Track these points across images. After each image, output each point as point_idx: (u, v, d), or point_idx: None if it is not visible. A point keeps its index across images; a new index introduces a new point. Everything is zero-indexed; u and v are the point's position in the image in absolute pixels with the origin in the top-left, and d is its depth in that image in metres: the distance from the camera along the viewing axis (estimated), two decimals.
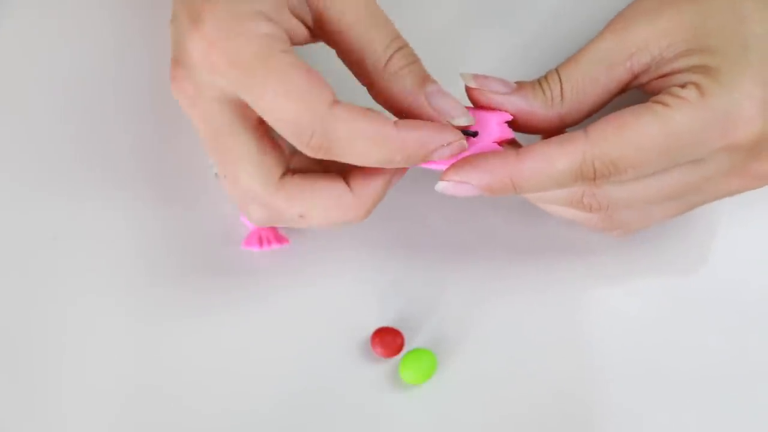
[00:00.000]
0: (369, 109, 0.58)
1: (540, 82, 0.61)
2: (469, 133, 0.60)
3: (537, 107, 0.60)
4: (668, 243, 0.68)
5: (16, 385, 0.66)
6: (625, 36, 0.60)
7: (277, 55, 0.57)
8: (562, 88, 0.60)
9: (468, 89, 0.61)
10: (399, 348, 0.65)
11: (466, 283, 0.67)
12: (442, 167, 0.60)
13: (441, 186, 0.60)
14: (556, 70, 0.61)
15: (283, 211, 0.61)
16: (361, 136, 0.58)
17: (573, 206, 0.62)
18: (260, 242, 0.68)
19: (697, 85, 0.58)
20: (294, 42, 0.60)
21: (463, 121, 0.59)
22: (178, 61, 0.60)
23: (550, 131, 0.61)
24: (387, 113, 0.60)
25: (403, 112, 0.60)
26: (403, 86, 0.59)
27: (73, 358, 0.66)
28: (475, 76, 0.61)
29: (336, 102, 0.58)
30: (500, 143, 0.60)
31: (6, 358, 0.66)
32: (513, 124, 0.61)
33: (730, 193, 0.62)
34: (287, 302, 0.67)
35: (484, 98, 0.61)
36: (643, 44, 0.60)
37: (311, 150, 0.58)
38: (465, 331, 0.66)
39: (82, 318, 0.67)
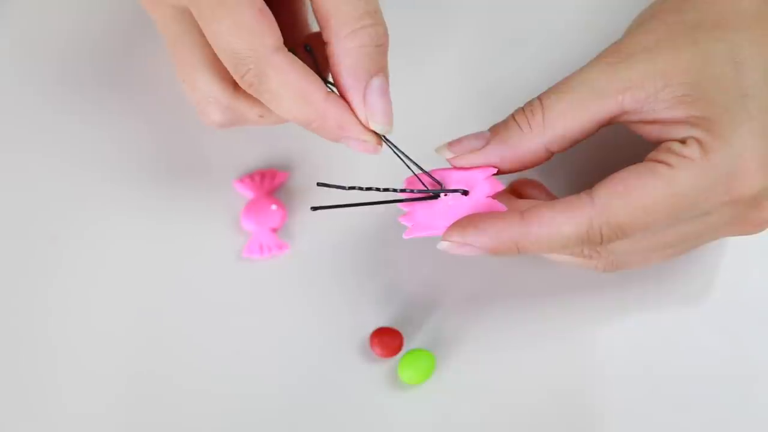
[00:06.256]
0: (308, 69, 0.58)
1: (515, 115, 0.60)
2: (459, 191, 0.60)
3: (519, 145, 0.59)
4: None
5: (16, 384, 0.66)
6: (620, 69, 0.59)
7: None
8: (543, 116, 0.59)
9: (450, 161, 0.60)
10: (398, 348, 0.65)
11: (464, 283, 0.67)
12: (439, 233, 0.59)
13: (443, 246, 0.59)
14: (539, 97, 0.59)
15: (244, 113, 0.62)
16: (289, 90, 0.57)
17: (573, 255, 0.61)
18: (261, 250, 0.68)
19: (699, 142, 0.57)
20: None
21: (380, 129, 0.58)
22: None
23: (540, 163, 0.60)
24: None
25: (338, 86, 0.59)
26: (353, 64, 0.58)
27: (72, 358, 0.66)
28: (450, 145, 0.60)
29: (280, 48, 0.57)
30: (493, 196, 0.59)
31: (6, 357, 0.67)
32: (502, 170, 0.60)
33: (729, 236, 0.62)
34: (287, 302, 0.67)
35: (465, 162, 0.60)
36: (639, 81, 0.58)
37: (243, 84, 0.58)
38: (463, 332, 0.66)
39: (83, 319, 0.67)
